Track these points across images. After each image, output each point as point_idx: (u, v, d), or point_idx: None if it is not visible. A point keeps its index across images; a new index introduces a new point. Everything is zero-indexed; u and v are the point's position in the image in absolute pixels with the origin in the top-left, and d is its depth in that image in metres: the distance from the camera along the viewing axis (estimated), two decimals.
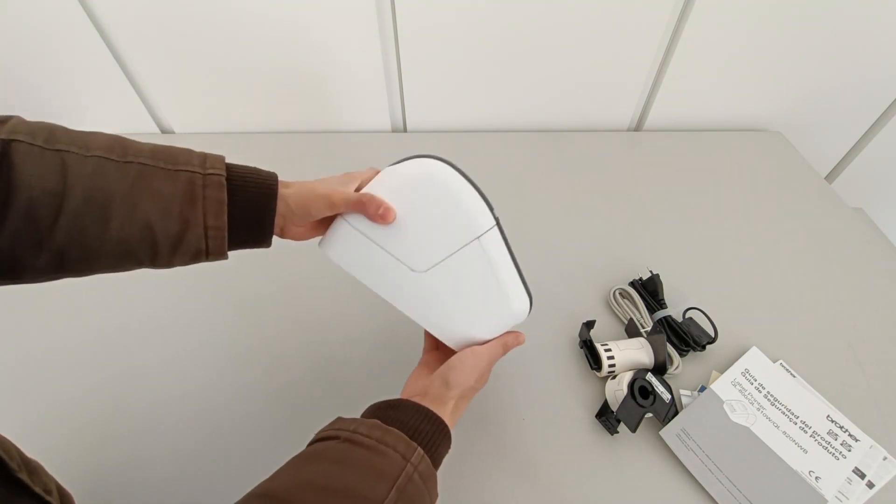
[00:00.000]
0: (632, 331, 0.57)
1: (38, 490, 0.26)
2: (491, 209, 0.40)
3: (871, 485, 0.47)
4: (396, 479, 0.30)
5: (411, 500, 0.30)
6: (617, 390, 0.50)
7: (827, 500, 0.46)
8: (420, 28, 0.80)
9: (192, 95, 0.90)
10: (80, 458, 0.50)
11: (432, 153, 0.41)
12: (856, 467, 0.48)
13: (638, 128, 0.96)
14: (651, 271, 0.62)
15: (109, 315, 0.63)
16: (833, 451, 0.49)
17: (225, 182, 0.36)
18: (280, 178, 0.41)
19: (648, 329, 0.58)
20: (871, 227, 0.77)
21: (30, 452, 0.29)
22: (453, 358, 0.40)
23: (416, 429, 0.34)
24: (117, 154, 0.34)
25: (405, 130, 0.96)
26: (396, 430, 0.33)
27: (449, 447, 0.37)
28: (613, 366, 0.53)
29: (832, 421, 0.51)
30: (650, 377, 0.51)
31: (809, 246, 0.71)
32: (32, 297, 0.65)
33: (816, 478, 0.47)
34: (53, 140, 0.33)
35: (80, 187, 0.32)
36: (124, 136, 0.36)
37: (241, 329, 0.61)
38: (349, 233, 0.42)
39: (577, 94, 0.89)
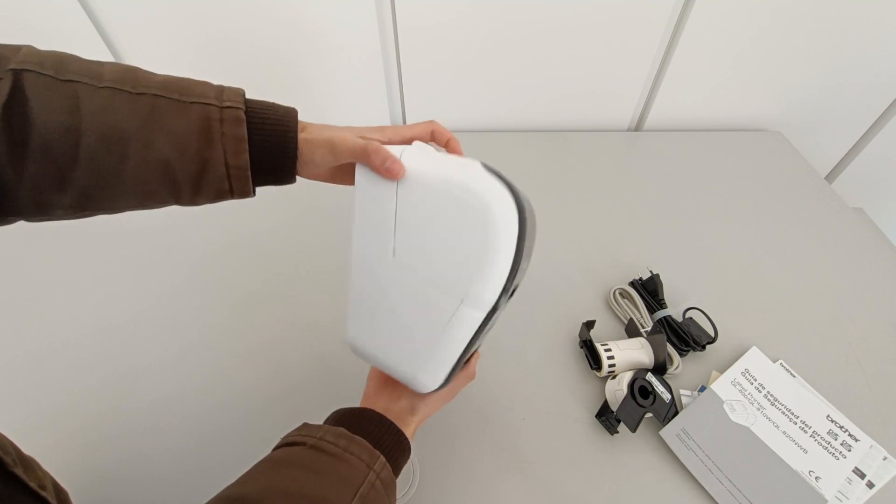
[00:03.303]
0: (632, 331, 0.57)
1: (32, 485, 0.26)
2: (504, 293, 0.33)
3: (871, 485, 0.47)
4: (360, 487, 0.31)
5: None
6: (617, 390, 0.50)
7: (827, 500, 0.46)
8: (420, 28, 0.80)
9: None
10: (78, 456, 0.50)
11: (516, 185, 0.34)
12: (856, 467, 0.48)
13: (638, 128, 0.96)
14: (651, 271, 0.62)
15: (109, 314, 0.63)
16: (833, 451, 0.49)
17: (244, 116, 0.34)
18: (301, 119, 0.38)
19: (648, 329, 0.58)
20: (871, 227, 0.77)
21: (28, 450, 0.29)
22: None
23: (379, 439, 0.35)
24: (130, 85, 0.32)
25: None
26: (361, 439, 0.34)
27: (408, 457, 0.38)
28: (613, 366, 0.53)
29: (832, 421, 0.51)
30: (650, 377, 0.50)
31: (809, 246, 0.71)
32: (31, 296, 0.65)
33: (816, 478, 0.47)
34: (64, 69, 0.31)
35: (94, 123, 0.31)
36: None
37: (241, 329, 0.61)
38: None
39: (577, 94, 0.89)
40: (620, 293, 0.63)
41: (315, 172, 0.39)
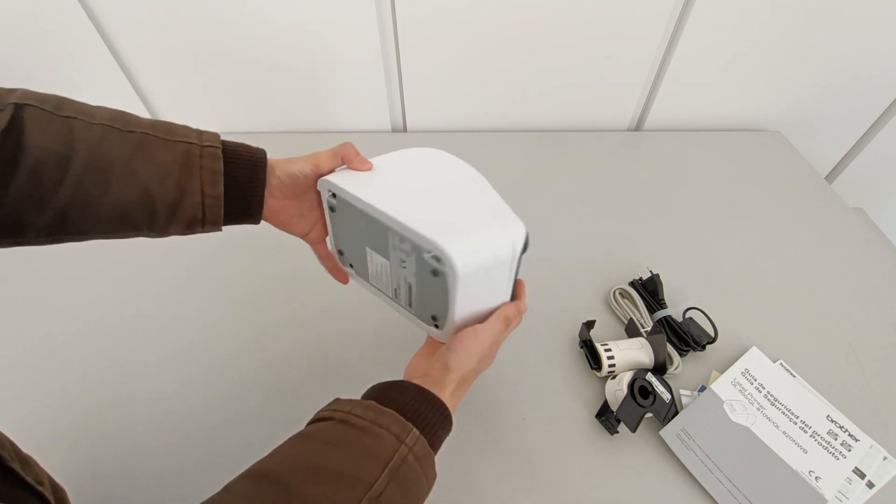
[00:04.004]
0: (632, 331, 0.57)
1: (29, 480, 0.26)
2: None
3: (871, 485, 0.47)
4: (389, 461, 0.30)
5: (405, 481, 0.30)
6: (617, 390, 0.50)
7: (827, 500, 0.46)
8: (420, 28, 0.80)
9: (192, 96, 0.90)
10: (76, 452, 0.50)
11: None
12: (856, 467, 0.48)
13: (638, 128, 0.96)
14: (651, 271, 0.62)
15: (107, 310, 0.63)
16: (833, 451, 0.49)
17: (221, 154, 0.38)
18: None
19: (648, 329, 0.58)
20: (871, 227, 0.77)
21: (26, 447, 0.29)
22: (453, 339, 0.39)
23: (413, 410, 0.33)
24: (120, 124, 0.36)
25: (405, 130, 0.96)
26: (391, 411, 0.32)
27: (450, 430, 0.36)
28: (613, 366, 0.53)
29: (832, 421, 0.51)
30: (650, 377, 0.50)
31: (809, 246, 0.71)
32: (30, 293, 0.65)
33: (816, 478, 0.47)
34: (61, 108, 0.35)
35: (85, 152, 0.34)
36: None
37: (239, 324, 0.61)
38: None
39: (577, 94, 0.89)
40: (620, 293, 0.63)
41: (290, 207, 0.44)
